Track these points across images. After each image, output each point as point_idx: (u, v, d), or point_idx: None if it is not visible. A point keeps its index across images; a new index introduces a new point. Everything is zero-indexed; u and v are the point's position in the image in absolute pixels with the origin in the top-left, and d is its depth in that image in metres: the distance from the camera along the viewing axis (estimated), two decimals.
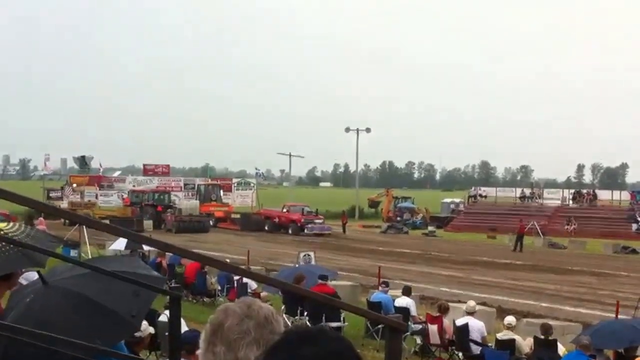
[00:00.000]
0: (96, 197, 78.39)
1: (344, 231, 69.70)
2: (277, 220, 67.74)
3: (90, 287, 5.17)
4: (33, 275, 6.63)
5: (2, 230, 4.96)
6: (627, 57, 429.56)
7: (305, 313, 19.98)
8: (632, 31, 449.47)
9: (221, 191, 79.76)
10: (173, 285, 23.42)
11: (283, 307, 19.94)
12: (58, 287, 5.18)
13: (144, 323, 8.18)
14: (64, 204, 68.74)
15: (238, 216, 72.06)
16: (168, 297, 5.90)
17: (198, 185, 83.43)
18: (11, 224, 5.69)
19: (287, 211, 68.16)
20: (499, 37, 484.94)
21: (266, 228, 66.81)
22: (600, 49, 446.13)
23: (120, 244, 27.83)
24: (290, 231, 64.66)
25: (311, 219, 66.32)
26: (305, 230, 63.86)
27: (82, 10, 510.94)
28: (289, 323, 18.04)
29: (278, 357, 2.22)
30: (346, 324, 19.50)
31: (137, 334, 7.73)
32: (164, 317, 12.15)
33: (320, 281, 21.63)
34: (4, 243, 4.79)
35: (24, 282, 6.12)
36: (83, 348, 4.68)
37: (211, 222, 68.55)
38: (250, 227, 66.54)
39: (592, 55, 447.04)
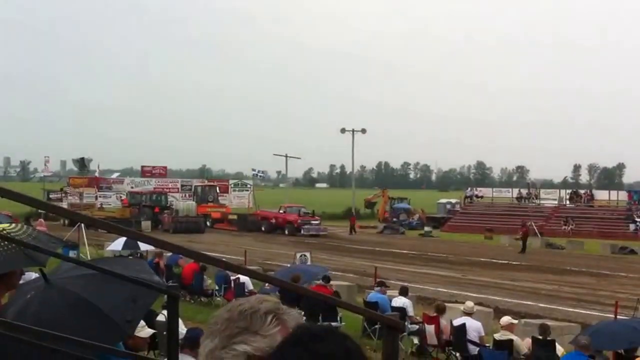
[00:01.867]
0: (96, 199, 78.61)
1: (353, 232, 70.00)
2: (273, 221, 67.82)
3: (89, 289, 5.18)
4: (31, 276, 6.63)
5: (4, 230, 4.96)
6: (616, 56, 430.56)
7: (302, 313, 19.95)
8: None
9: (218, 192, 79.79)
10: (171, 284, 23.39)
11: None
12: (58, 287, 5.21)
13: (143, 324, 8.15)
14: (64, 205, 68.80)
15: (235, 217, 72.10)
16: (166, 296, 5.89)
17: (195, 186, 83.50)
18: (13, 224, 5.70)
19: (284, 212, 68.21)
20: (495, 37, 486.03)
21: (263, 229, 66.85)
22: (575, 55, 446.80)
23: (118, 244, 27.82)
24: (286, 232, 64.72)
25: (307, 220, 66.36)
26: (302, 231, 63.87)
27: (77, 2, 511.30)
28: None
29: (290, 352, 2.22)
30: (343, 324, 19.47)
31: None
32: (161, 317, 12.15)
33: (320, 282, 21.71)
34: (5, 242, 4.79)
35: (22, 282, 6.13)
36: (80, 345, 4.68)
37: (208, 223, 68.62)
38: (247, 228, 66.81)
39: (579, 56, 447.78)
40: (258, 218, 69.93)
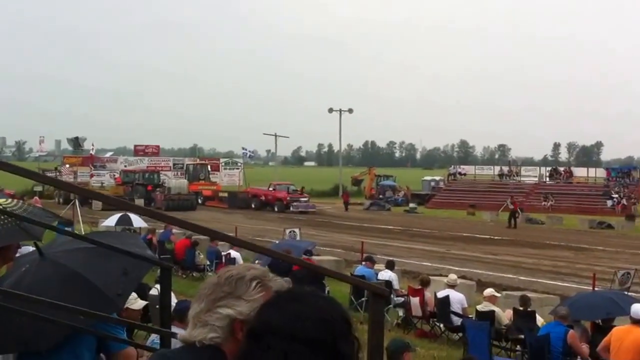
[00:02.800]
0: (92, 177, 78.33)
1: (346, 209, 70.03)
2: (263, 198, 67.70)
3: (81, 263, 5.16)
4: (28, 250, 6.60)
5: (1, 205, 4.94)
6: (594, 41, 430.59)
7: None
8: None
9: (209, 170, 79.65)
10: (163, 257, 23.43)
11: None
12: (52, 260, 5.19)
13: (135, 297, 8.13)
14: None
15: (226, 195, 71.96)
16: (159, 270, 5.89)
17: (187, 165, 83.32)
18: (9, 199, 5.68)
19: (274, 190, 68.18)
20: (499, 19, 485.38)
21: (253, 206, 66.67)
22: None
23: (111, 221, 27.78)
24: (276, 209, 64.49)
25: (296, 197, 66.35)
26: (291, 208, 63.73)
27: None
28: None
29: (266, 312, 2.25)
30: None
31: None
32: (154, 290, 12.15)
33: (304, 256, 21.73)
34: (3, 216, 4.77)
35: (18, 255, 6.11)
36: (75, 313, 4.67)
37: (199, 201, 68.50)
38: (237, 205, 66.55)
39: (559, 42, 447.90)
40: (248, 195, 69.68)
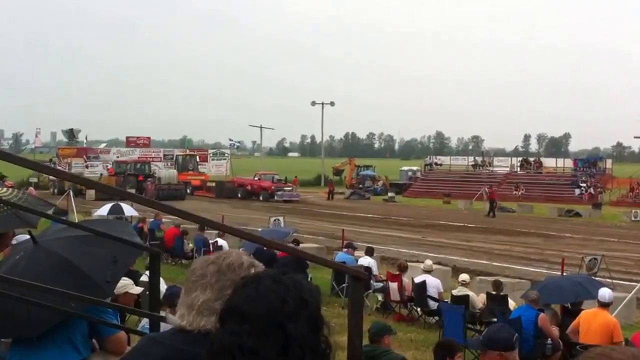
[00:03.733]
0: (86, 167, 77.90)
1: (331, 198, 70.08)
2: (249, 187, 67.43)
3: (72, 250, 5.12)
4: (24, 237, 6.55)
5: None
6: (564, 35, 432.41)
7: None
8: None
9: (197, 161, 79.44)
10: (153, 243, 23.38)
11: None
12: (45, 248, 5.17)
13: (125, 281, 8.07)
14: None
15: (213, 184, 71.77)
16: (148, 257, 5.85)
17: (176, 155, 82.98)
18: (4, 189, 5.63)
19: (259, 179, 67.97)
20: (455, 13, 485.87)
21: (239, 195, 66.48)
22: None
23: (104, 210, 27.70)
24: (261, 198, 64.33)
25: (281, 186, 66.22)
26: (276, 197, 63.61)
27: None
28: None
29: (230, 297, 2.23)
30: None
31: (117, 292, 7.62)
32: (144, 277, 12.07)
33: (290, 245, 21.67)
34: (1, 205, 4.72)
35: (14, 242, 6.07)
36: (69, 298, 4.62)
37: (188, 190, 68.30)
38: (224, 195, 66.33)
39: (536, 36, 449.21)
40: (235, 185, 69.43)
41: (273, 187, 65.28)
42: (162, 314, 5.30)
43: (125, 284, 8.22)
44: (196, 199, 65.07)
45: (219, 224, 4.25)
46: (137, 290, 8.51)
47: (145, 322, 7.63)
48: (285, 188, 66.16)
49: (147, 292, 6.27)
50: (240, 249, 20.86)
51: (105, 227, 5.59)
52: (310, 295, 2.21)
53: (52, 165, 73.13)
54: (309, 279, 19.30)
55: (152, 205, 4.45)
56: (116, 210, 27.13)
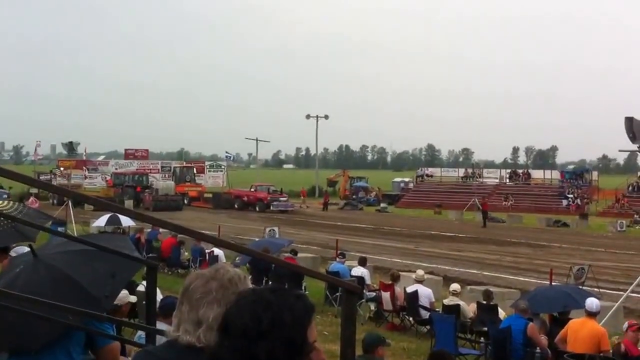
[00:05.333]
0: (85, 179, 77.81)
1: (325, 209, 70.01)
2: (245, 198, 67.16)
3: (72, 265, 5.09)
4: (22, 250, 6.50)
5: None
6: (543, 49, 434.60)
7: (270, 283, 19.94)
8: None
9: (195, 173, 79.40)
10: (150, 256, 23.30)
11: (250, 277, 19.78)
12: (44, 262, 5.12)
13: (125, 292, 8.05)
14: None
15: (210, 196, 71.63)
16: (145, 268, 5.83)
17: (174, 167, 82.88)
18: (5, 202, 5.60)
19: (255, 190, 67.81)
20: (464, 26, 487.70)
21: (236, 206, 66.07)
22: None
23: (102, 221, 27.55)
24: (257, 209, 64.13)
25: (276, 197, 66.08)
26: (271, 207, 63.36)
27: None
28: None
29: (244, 300, 2.22)
30: (306, 292, 19.41)
31: (116, 302, 7.59)
32: (141, 287, 12.01)
33: (288, 254, 21.73)
34: (1, 218, 4.69)
35: (13, 255, 6.03)
36: (66, 312, 4.57)
37: (185, 201, 68.23)
38: (221, 206, 66.10)
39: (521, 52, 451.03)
40: (231, 196, 69.05)
41: (269, 198, 65.09)
42: (159, 325, 5.28)
43: (126, 295, 8.23)
44: (194, 209, 64.99)
45: (214, 239, 4.23)
46: (134, 298, 8.51)
47: (141, 332, 7.59)
48: (281, 199, 65.99)
49: (144, 302, 6.25)
50: (237, 259, 20.89)
51: (104, 241, 5.55)
52: (291, 316, 2.15)
53: (52, 177, 73.94)
54: (303, 288, 19.31)
55: (143, 219, 4.41)
56: (114, 221, 26.97)
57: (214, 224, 40.48)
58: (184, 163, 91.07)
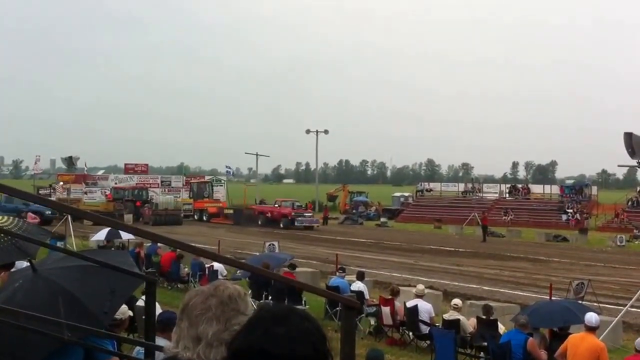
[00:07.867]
0: (85, 193, 77.72)
1: (325, 223, 69.38)
2: (269, 214, 64.71)
3: (71, 280, 5.09)
4: (22, 264, 6.50)
5: None
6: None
7: (270, 297, 19.94)
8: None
9: (212, 188, 79.13)
10: (149, 271, 23.23)
11: (250, 292, 19.79)
12: (44, 277, 5.12)
13: (123, 307, 8.03)
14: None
15: (231, 212, 70.00)
16: (145, 283, 5.82)
17: (191, 183, 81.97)
18: (5, 217, 5.59)
19: (279, 206, 65.56)
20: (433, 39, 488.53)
21: (259, 222, 63.74)
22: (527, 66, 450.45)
23: (101, 235, 27.54)
24: (281, 225, 61.74)
25: (301, 212, 64.41)
26: (296, 223, 61.32)
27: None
28: (254, 305, 17.93)
29: (253, 335, 2.19)
30: (307, 307, 19.38)
31: (116, 316, 7.59)
32: (141, 302, 11.98)
33: (287, 269, 21.70)
34: (1, 235, 4.68)
35: (12, 270, 6.02)
36: (65, 328, 4.55)
37: (204, 218, 68.25)
38: (243, 222, 63.85)
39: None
40: (254, 212, 67.07)
41: (293, 214, 63.18)
42: (157, 340, 5.26)
43: (127, 309, 8.23)
44: (192, 223, 64.87)
45: (213, 254, 4.22)
46: (128, 313, 8.52)
47: (139, 347, 7.57)
48: (305, 214, 64.40)
49: (143, 317, 6.23)
50: (238, 272, 20.86)
51: (104, 257, 5.55)
52: (327, 342, 2.27)
53: (52, 191, 73.84)
54: (303, 302, 19.31)
55: (141, 234, 4.40)
56: (114, 234, 26.96)
57: (213, 238, 40.46)
58: (184, 177, 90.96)
